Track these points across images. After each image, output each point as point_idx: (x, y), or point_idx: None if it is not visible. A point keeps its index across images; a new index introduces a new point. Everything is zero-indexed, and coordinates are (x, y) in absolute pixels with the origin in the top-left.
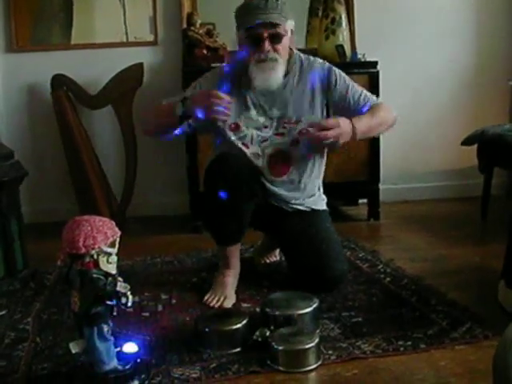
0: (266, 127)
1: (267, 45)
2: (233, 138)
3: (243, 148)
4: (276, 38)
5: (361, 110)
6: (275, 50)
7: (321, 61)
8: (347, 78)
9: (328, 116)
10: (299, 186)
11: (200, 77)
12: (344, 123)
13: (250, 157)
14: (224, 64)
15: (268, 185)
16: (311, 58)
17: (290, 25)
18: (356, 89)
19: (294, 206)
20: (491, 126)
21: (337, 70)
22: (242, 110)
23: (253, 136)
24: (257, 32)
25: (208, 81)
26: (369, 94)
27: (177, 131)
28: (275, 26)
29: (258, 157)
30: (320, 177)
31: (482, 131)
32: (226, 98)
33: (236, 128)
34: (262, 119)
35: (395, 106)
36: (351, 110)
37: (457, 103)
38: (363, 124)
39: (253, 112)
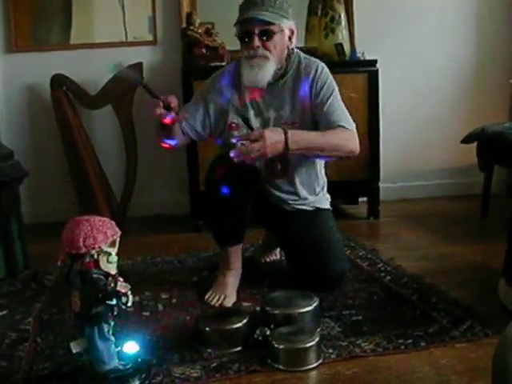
0: (263, 128)
1: (256, 41)
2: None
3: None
4: (266, 35)
5: (324, 125)
6: (265, 47)
7: (317, 61)
8: (336, 89)
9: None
10: (296, 188)
11: (209, 80)
12: (271, 134)
13: None
14: (229, 64)
15: (266, 185)
16: (310, 58)
17: (286, 24)
18: (335, 104)
19: (296, 206)
20: (491, 123)
21: (328, 76)
22: (240, 109)
23: None
24: (247, 28)
25: (208, 88)
26: (344, 116)
27: (174, 142)
28: (267, 23)
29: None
30: (320, 176)
31: (482, 129)
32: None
33: (236, 127)
34: (259, 119)
35: (395, 104)
36: (319, 121)
37: (457, 101)
38: (303, 139)
39: (251, 112)
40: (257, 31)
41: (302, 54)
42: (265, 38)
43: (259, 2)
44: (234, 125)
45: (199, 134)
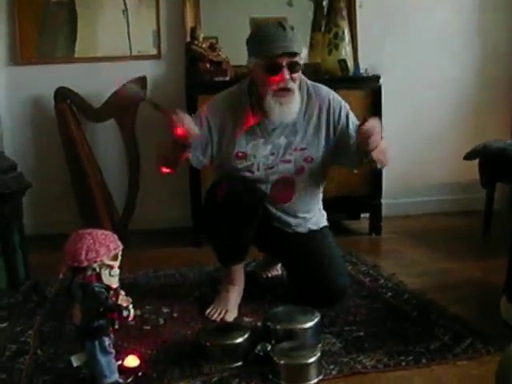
0: (272, 154)
1: (286, 73)
2: (239, 166)
3: (248, 174)
4: (294, 67)
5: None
6: (292, 80)
7: (326, 89)
8: (348, 107)
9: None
10: (301, 212)
11: (208, 104)
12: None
13: (255, 181)
14: (228, 92)
15: (270, 208)
16: (316, 84)
17: (304, 53)
18: (356, 120)
19: (297, 229)
20: (493, 140)
21: (340, 100)
22: (250, 138)
23: (259, 164)
24: (277, 61)
25: (211, 113)
26: None
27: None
28: (294, 55)
29: (262, 183)
30: (320, 200)
31: (484, 146)
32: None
33: (243, 157)
34: (269, 147)
35: (397, 119)
36: (352, 142)
37: (459, 118)
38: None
39: (261, 140)
40: (285, 63)
41: (306, 80)
42: (292, 70)
43: (281, 34)
44: (240, 154)
45: (199, 162)
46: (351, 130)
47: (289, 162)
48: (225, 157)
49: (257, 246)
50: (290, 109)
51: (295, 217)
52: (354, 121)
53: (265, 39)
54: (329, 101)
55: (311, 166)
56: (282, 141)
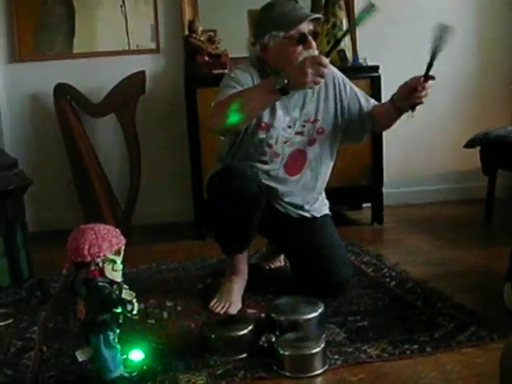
0: (289, 127)
1: (312, 41)
2: (262, 136)
3: (266, 148)
4: (316, 35)
5: (370, 106)
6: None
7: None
8: (348, 79)
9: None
10: (311, 186)
11: (230, 74)
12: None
13: (270, 156)
14: (242, 67)
15: (278, 187)
16: None
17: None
18: (362, 92)
19: (300, 212)
20: (494, 128)
21: (341, 74)
22: (270, 110)
23: (278, 136)
24: (302, 30)
25: (245, 75)
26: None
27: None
28: (315, 22)
29: (278, 156)
30: (327, 179)
31: (486, 133)
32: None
33: (265, 127)
34: (287, 119)
35: None
36: (364, 110)
37: (459, 106)
38: None
39: (279, 112)
40: (308, 31)
41: None
42: (314, 38)
43: (298, 6)
44: (263, 124)
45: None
46: (360, 98)
47: (301, 133)
48: (248, 128)
49: (258, 230)
50: None
51: (304, 190)
52: (358, 90)
53: (283, 12)
54: (332, 75)
55: (322, 138)
56: (297, 113)
